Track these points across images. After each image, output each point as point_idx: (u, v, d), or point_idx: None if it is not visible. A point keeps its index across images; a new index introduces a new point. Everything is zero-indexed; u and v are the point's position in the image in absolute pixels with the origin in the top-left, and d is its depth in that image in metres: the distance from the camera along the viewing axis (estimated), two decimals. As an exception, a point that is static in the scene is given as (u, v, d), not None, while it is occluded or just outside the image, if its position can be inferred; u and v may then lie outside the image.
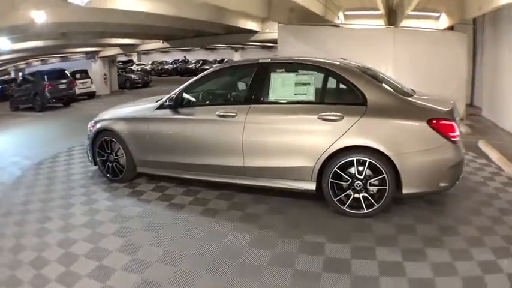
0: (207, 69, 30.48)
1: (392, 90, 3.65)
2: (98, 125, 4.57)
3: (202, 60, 32.06)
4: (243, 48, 34.94)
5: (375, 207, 3.43)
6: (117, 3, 7.68)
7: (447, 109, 3.48)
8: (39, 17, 7.75)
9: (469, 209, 3.66)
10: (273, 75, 3.81)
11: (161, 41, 17.18)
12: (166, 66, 33.54)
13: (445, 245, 2.99)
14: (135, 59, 34.58)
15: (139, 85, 21.40)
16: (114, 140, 4.43)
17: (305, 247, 3.00)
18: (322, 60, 3.89)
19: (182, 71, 31.04)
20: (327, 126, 3.47)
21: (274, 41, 29.01)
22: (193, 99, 4.22)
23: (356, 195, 3.47)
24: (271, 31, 20.17)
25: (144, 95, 16.93)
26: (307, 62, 3.90)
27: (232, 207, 3.77)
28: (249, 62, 4.26)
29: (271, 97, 3.78)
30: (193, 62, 32.74)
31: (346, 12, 14.18)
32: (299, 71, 3.83)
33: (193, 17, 10.54)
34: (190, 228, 3.38)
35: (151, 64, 34.38)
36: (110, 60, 19.02)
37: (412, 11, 9.71)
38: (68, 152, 6.22)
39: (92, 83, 17.02)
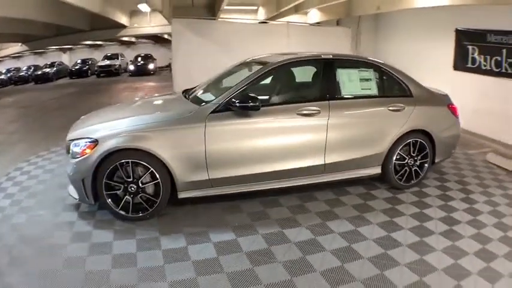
0: (40, 75, 26.76)
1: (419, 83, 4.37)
2: (107, 144, 3.22)
3: (34, 66, 29.19)
4: (71, 49, 33.79)
5: (420, 177, 4.22)
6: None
7: (448, 96, 4.58)
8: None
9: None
10: (339, 71, 3.97)
11: (19, 44, 14.47)
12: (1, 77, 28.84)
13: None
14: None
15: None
16: (142, 162, 3.28)
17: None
18: (373, 58, 4.31)
19: (16, 79, 27.98)
20: (394, 115, 4.00)
21: (141, 36, 27.48)
22: (262, 98, 3.70)
23: (407, 170, 4.14)
24: (140, 26, 19.45)
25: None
26: (364, 60, 4.22)
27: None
28: (311, 57, 4.18)
29: (344, 92, 3.94)
30: (24, 68, 29.54)
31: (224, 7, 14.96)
32: (358, 67, 4.10)
33: (85, 6, 9.55)
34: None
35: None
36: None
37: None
38: (11, 180, 4.53)
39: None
